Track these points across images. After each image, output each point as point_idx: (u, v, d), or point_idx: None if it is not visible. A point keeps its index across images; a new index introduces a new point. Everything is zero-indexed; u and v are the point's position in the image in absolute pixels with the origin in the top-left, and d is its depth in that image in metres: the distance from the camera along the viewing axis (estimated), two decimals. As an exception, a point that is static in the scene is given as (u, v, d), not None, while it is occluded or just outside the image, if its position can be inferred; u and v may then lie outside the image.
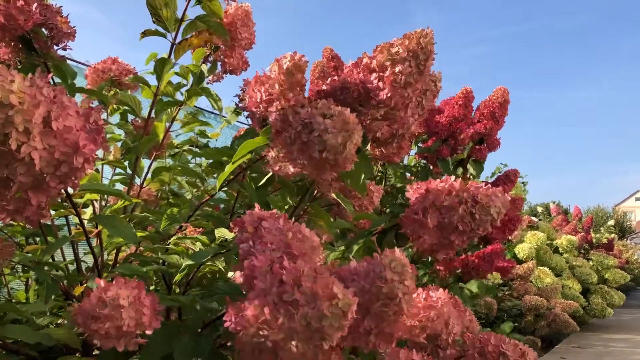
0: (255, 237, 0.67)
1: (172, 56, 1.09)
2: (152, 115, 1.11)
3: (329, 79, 0.78)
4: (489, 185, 0.84)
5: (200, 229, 1.00)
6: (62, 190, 0.63)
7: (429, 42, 0.76)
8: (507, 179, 1.99)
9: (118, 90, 1.29)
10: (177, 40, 1.08)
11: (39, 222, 0.74)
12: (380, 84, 0.76)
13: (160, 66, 1.09)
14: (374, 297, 0.63)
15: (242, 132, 1.18)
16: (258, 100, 0.78)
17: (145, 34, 1.07)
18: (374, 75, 0.77)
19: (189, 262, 0.81)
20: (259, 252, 0.62)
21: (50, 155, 0.51)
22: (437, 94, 0.86)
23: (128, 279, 0.63)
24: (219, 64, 1.24)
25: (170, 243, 0.95)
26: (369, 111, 0.78)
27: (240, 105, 1.34)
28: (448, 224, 0.83)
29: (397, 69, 0.75)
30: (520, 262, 4.31)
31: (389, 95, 0.76)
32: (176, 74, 1.19)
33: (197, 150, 1.58)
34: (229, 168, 0.86)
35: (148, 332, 0.63)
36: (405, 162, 2.13)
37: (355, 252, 1.03)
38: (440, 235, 0.85)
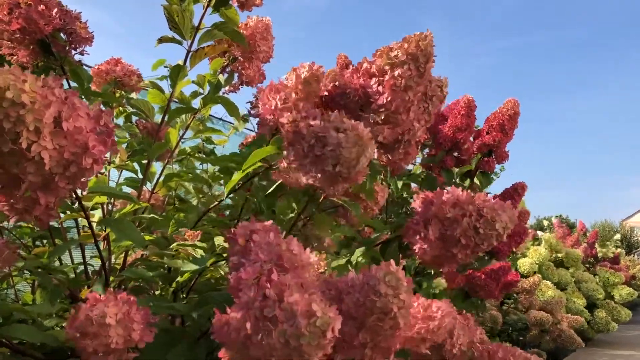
0: (245, 250, 0.65)
1: (188, 64, 1.09)
2: (165, 121, 1.11)
3: (330, 84, 0.78)
4: (497, 199, 0.82)
5: (197, 233, 1.00)
6: (72, 193, 0.64)
7: (428, 45, 0.75)
8: (514, 192, 1.94)
9: (124, 93, 1.29)
10: (193, 48, 1.07)
11: (48, 224, 0.75)
12: (380, 88, 0.75)
13: (175, 73, 1.08)
14: (368, 311, 0.62)
15: (249, 140, 1.18)
16: (272, 107, 0.78)
17: (161, 40, 1.07)
18: (374, 79, 0.76)
19: (191, 267, 0.81)
20: (248, 264, 0.61)
21: (60, 155, 0.51)
22: (444, 99, 0.86)
23: (119, 294, 0.63)
24: (235, 75, 1.24)
25: (172, 249, 0.95)
26: (370, 115, 0.77)
27: (252, 112, 1.34)
28: (450, 236, 0.80)
29: (396, 73, 0.75)
30: (522, 276, 4.28)
31: (389, 99, 0.75)
32: (192, 82, 1.19)
33: (204, 156, 1.58)
34: (237, 175, 0.85)
35: (140, 346, 0.62)
36: (411, 169, 2.12)
37: (359, 262, 1.01)
38: (442, 247, 0.82)
